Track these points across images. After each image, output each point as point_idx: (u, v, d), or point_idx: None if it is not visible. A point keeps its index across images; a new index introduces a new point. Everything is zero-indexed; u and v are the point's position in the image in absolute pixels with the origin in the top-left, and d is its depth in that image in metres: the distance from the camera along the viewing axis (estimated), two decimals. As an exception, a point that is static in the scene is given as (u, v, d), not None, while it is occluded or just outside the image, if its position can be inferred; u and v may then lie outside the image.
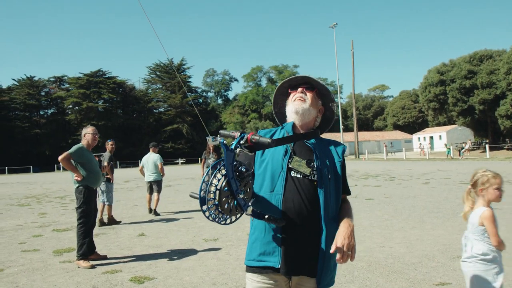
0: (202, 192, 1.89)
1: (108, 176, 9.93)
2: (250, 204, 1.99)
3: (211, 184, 1.89)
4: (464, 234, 3.41)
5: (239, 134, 1.98)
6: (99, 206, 9.65)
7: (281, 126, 2.46)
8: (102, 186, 9.86)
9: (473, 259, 3.21)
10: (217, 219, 1.94)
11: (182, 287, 4.93)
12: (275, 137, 2.33)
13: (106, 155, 10.15)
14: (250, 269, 2.21)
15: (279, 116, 2.58)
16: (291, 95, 2.41)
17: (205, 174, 1.93)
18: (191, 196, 2.08)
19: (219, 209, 1.92)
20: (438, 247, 6.29)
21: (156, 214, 11.18)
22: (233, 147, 1.94)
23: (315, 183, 2.20)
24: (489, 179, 3.27)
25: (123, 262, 6.24)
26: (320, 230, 2.15)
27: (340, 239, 2.04)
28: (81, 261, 6.00)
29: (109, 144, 10.33)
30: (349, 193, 2.43)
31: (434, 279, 4.85)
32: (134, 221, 10.25)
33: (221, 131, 2.07)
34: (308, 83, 2.42)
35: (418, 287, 4.63)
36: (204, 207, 1.90)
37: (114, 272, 5.67)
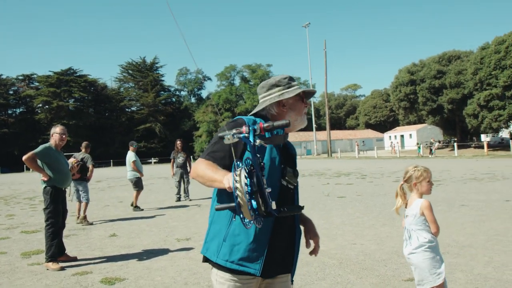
0: (239, 199, 1.67)
1: (89, 176, 10.29)
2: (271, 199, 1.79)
3: (246, 192, 1.66)
4: (405, 228, 3.60)
5: (247, 128, 1.82)
6: (76, 205, 10.11)
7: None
8: (83, 186, 10.10)
9: (421, 248, 3.41)
10: (257, 221, 1.73)
11: (153, 288, 4.90)
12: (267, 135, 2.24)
13: (88, 156, 10.34)
14: (225, 268, 2.11)
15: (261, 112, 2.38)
16: (304, 106, 2.39)
17: (232, 179, 1.70)
18: (219, 209, 1.84)
19: (257, 212, 1.71)
20: (407, 244, 6.41)
21: (136, 209, 11.76)
22: (252, 140, 1.78)
23: (292, 190, 2.28)
24: (422, 173, 3.52)
25: (94, 263, 6.15)
26: (295, 230, 2.29)
27: (314, 236, 2.34)
28: (50, 263, 5.88)
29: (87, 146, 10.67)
30: None
31: (403, 275, 4.94)
32: (106, 221, 10.11)
33: (223, 131, 1.88)
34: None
35: (388, 283, 4.71)
36: (242, 215, 1.71)
37: (84, 273, 5.59)
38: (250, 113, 2.36)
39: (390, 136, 73.77)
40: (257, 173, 1.73)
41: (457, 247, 6.02)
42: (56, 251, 6.00)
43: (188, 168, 13.70)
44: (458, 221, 7.93)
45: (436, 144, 47.48)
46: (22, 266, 6.10)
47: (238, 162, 1.76)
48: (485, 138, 55.09)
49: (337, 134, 79.03)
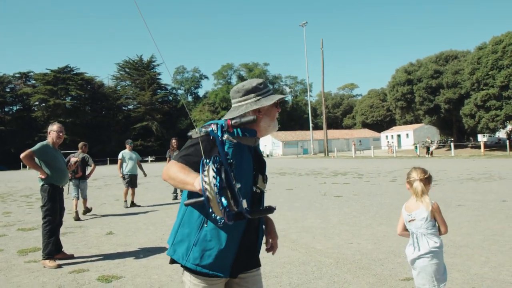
0: (208, 193, 1.68)
1: (88, 174, 11.04)
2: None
3: (214, 185, 1.66)
4: (412, 232, 3.46)
5: (215, 125, 1.90)
6: (73, 201, 10.43)
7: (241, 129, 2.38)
8: (84, 183, 10.82)
9: (431, 253, 3.34)
10: (227, 218, 1.72)
11: (150, 286, 4.90)
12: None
13: (88, 156, 11.04)
14: (194, 271, 2.17)
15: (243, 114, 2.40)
16: (276, 111, 2.38)
17: (201, 173, 1.72)
18: (188, 204, 1.89)
19: (227, 209, 1.70)
20: (404, 243, 6.37)
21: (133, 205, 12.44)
22: (220, 135, 1.82)
23: (259, 194, 2.33)
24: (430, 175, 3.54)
25: (91, 261, 6.15)
26: (259, 230, 2.37)
27: (274, 237, 2.46)
28: (47, 261, 5.87)
29: (86, 147, 11.26)
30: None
31: (400, 274, 4.96)
32: (102, 219, 10.10)
33: (193, 130, 2.02)
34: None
35: (384, 282, 4.72)
36: (211, 210, 1.72)
37: (81, 271, 5.59)
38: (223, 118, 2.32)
39: (387, 136, 73.79)
40: (225, 169, 1.74)
41: (454, 247, 6.04)
42: (53, 249, 6.00)
43: None
44: (455, 221, 7.95)
45: (435, 145, 47.52)
46: (18, 264, 6.09)
47: (207, 160, 1.76)
48: (482, 138, 55.16)
49: (334, 133, 79.05)
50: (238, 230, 2.15)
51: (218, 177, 1.68)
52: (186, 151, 2.16)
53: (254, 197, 2.25)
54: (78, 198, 10.51)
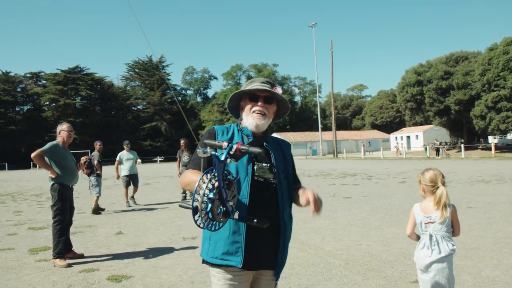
0: (196, 203, 1.89)
1: (98, 171, 11.61)
2: (235, 209, 2.01)
3: (204, 195, 1.89)
4: (430, 236, 3.37)
5: (226, 144, 2.00)
6: (93, 198, 11.37)
7: (237, 126, 2.51)
8: (93, 180, 11.40)
9: (449, 256, 3.31)
10: (208, 226, 1.95)
11: (159, 286, 4.91)
12: (235, 138, 2.42)
13: (95, 154, 11.75)
14: (213, 264, 2.31)
15: (233, 110, 2.61)
16: (250, 105, 2.42)
17: (196, 185, 1.91)
18: (181, 206, 2.12)
19: (211, 217, 1.93)
20: (414, 245, 6.33)
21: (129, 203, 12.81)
22: (223, 158, 1.93)
23: (274, 185, 2.36)
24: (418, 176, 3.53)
25: (100, 260, 6.18)
26: (277, 228, 2.35)
27: (310, 193, 2.24)
28: (57, 260, 5.91)
29: (97, 145, 12.09)
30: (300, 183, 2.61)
31: (410, 277, 4.92)
32: (112, 219, 10.15)
33: (207, 141, 2.07)
34: (267, 92, 2.45)
35: (394, 284, 4.70)
36: (196, 217, 1.91)
37: (91, 270, 5.61)
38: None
39: (396, 137, 73.43)
40: (219, 188, 1.89)
41: (465, 249, 5.99)
42: (63, 248, 6.04)
43: None
44: (465, 223, 7.88)
45: (445, 146, 47.16)
46: (29, 262, 6.13)
47: (214, 170, 1.92)
48: (492, 140, 54.68)
49: (343, 134, 78.82)
50: (244, 208, 2.23)
51: (211, 192, 1.88)
52: (194, 157, 2.37)
53: (263, 189, 2.31)
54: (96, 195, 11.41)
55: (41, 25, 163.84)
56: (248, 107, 2.43)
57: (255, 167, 2.31)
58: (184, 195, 13.64)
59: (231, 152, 1.98)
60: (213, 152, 1.96)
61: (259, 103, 2.40)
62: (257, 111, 2.39)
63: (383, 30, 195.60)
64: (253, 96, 2.42)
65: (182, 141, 13.83)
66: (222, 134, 2.41)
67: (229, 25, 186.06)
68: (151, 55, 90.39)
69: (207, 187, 1.89)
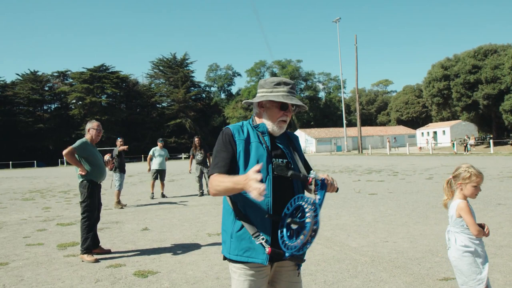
0: (312, 229, 2.08)
1: (110, 166, 11.74)
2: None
3: (314, 219, 2.08)
4: (447, 228, 3.49)
5: (314, 180, 2.22)
6: (115, 192, 11.88)
7: (251, 124, 2.52)
8: (115, 175, 11.96)
9: (459, 252, 3.30)
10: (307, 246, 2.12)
11: (185, 281, 4.95)
12: (251, 137, 2.44)
13: (115, 150, 12.10)
14: (236, 261, 2.35)
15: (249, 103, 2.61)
16: (278, 114, 2.44)
17: (309, 211, 2.09)
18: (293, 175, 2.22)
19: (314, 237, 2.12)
20: (441, 242, 6.27)
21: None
22: (320, 201, 2.18)
23: (291, 180, 2.40)
24: (471, 176, 3.33)
25: (127, 256, 6.26)
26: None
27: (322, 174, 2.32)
28: (85, 255, 6.02)
29: (118, 142, 12.36)
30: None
31: (438, 274, 4.84)
32: (138, 215, 10.27)
33: (293, 173, 2.20)
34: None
35: (421, 282, 4.63)
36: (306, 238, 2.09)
37: (118, 266, 5.69)
38: (245, 101, 2.70)
39: (422, 133, 72.30)
40: (317, 207, 2.12)
41: (494, 247, 5.86)
42: (91, 244, 6.14)
43: (208, 164, 14.08)
44: (495, 220, 7.71)
45: (472, 141, 46.19)
46: (58, 258, 6.26)
47: (316, 204, 2.14)
48: (522, 135, 53.42)
49: (368, 130, 78.01)
50: (267, 220, 2.28)
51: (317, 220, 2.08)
52: (215, 161, 2.39)
53: (277, 183, 2.35)
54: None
55: (67, 23, 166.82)
56: (275, 114, 2.44)
57: (274, 166, 2.36)
58: (201, 191, 13.92)
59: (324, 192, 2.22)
60: (316, 178, 2.21)
61: (287, 113, 2.45)
62: (283, 120, 2.45)
63: (408, 24, 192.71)
64: (283, 105, 2.43)
65: (196, 139, 14.18)
66: (238, 134, 2.42)
67: (252, 21, 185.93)
68: (175, 53, 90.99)
69: (312, 212, 2.08)
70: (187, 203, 12.18)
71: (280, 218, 2.22)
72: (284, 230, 2.18)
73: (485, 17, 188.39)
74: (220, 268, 5.40)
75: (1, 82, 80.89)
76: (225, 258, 2.44)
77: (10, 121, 74.66)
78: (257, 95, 2.50)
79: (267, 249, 2.20)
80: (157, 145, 14.15)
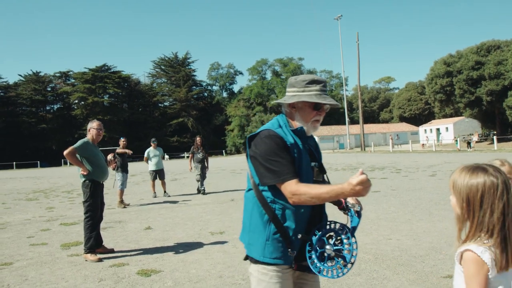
0: (352, 259, 2.16)
1: (113, 166, 11.83)
2: None
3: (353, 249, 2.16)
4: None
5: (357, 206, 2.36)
6: (117, 192, 11.92)
7: (286, 126, 2.39)
8: (118, 175, 11.97)
9: None
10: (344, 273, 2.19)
11: (188, 280, 4.95)
12: (296, 141, 2.33)
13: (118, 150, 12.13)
14: (268, 263, 2.31)
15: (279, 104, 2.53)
16: (312, 114, 2.36)
17: (349, 243, 2.18)
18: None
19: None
20: (445, 239, 6.26)
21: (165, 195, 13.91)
22: (355, 225, 2.27)
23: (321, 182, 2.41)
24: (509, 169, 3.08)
25: (130, 255, 6.27)
26: (320, 221, 2.39)
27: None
28: (89, 255, 6.03)
29: (121, 141, 12.47)
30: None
31: (441, 271, 4.83)
32: (141, 215, 10.28)
33: (349, 202, 2.33)
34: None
35: (425, 279, 4.61)
36: (345, 270, 2.16)
37: (121, 265, 5.70)
38: (276, 101, 2.53)
39: (425, 130, 72.11)
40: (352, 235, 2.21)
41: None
42: (94, 243, 6.15)
43: (206, 164, 14.38)
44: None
45: (475, 138, 46.05)
46: (62, 257, 6.27)
47: (348, 234, 2.21)
48: (526, 131, 53.25)
49: (370, 127, 77.91)
50: (302, 224, 2.28)
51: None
52: (280, 167, 2.20)
53: None
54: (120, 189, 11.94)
55: (68, 24, 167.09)
56: (308, 114, 2.36)
57: (314, 172, 2.39)
58: (203, 189, 14.11)
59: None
60: (352, 209, 2.33)
61: (321, 113, 2.39)
62: (317, 120, 2.38)
63: (410, 21, 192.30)
64: (317, 105, 2.36)
65: (198, 138, 14.46)
66: (286, 138, 2.29)
67: (253, 19, 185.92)
68: (177, 52, 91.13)
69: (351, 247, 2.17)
70: (189, 202, 12.18)
71: (309, 238, 2.24)
72: (313, 253, 2.20)
73: (488, 13, 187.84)
74: (223, 267, 5.40)
75: (4, 83, 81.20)
76: (246, 258, 2.44)
77: (13, 122, 74.94)
78: (287, 94, 2.41)
79: (294, 265, 2.26)
80: (150, 146, 14.23)
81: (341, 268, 2.13)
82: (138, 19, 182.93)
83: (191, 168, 14.50)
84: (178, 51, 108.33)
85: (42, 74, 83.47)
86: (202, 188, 14.10)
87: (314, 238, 2.21)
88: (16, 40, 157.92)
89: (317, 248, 2.19)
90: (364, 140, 57.03)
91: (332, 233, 2.23)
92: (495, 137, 41.08)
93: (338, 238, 2.20)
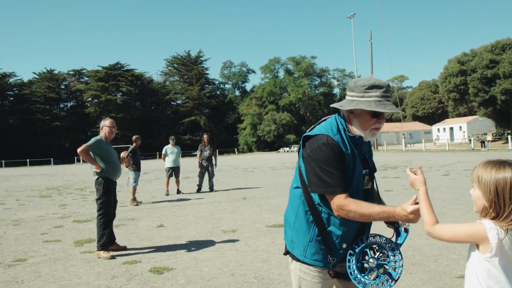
0: (397, 276, 2.14)
1: (125, 163, 11.91)
2: None
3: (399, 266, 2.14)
4: None
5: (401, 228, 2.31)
6: (130, 190, 11.97)
7: (346, 131, 2.30)
8: (130, 172, 11.99)
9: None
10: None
11: (201, 278, 4.96)
12: (353, 149, 2.27)
13: (131, 148, 12.31)
14: (309, 264, 2.33)
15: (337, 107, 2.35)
16: (371, 121, 2.26)
17: (396, 260, 2.15)
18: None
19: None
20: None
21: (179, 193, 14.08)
22: (401, 242, 2.24)
23: (369, 189, 2.43)
24: None
25: (143, 253, 6.30)
26: (365, 229, 2.41)
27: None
28: (101, 252, 6.07)
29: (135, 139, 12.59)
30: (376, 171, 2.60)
31: (455, 271, 4.78)
32: (153, 212, 10.33)
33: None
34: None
35: (439, 279, 4.58)
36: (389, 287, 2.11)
37: (133, 262, 5.73)
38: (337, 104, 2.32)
39: (438, 129, 71.52)
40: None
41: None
42: (107, 240, 6.19)
43: (214, 161, 14.59)
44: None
45: (489, 137, 45.53)
46: (75, 254, 6.32)
47: (395, 250, 2.17)
48: (541, 130, 52.53)
49: (383, 126, 77.24)
50: (351, 231, 2.29)
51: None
52: (331, 177, 2.17)
53: (365, 196, 2.36)
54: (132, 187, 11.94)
55: (82, 22, 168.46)
56: (367, 122, 2.25)
57: (366, 182, 2.37)
58: (200, 186, 14.41)
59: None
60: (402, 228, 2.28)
61: (381, 120, 2.27)
62: (376, 128, 2.28)
63: (424, 19, 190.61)
64: (376, 113, 2.24)
65: (205, 136, 14.64)
66: (343, 147, 2.22)
67: (266, 17, 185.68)
68: (189, 50, 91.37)
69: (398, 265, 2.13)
70: (202, 200, 12.21)
71: (352, 248, 2.22)
72: (354, 263, 2.19)
73: (503, 11, 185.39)
74: (235, 265, 5.40)
75: (19, 81, 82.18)
76: (286, 253, 2.45)
77: (28, 119, 75.79)
78: (347, 97, 2.30)
79: (331, 272, 2.26)
80: (169, 143, 14.37)
81: (384, 284, 2.09)
82: (151, 17, 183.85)
83: (200, 166, 14.61)
84: (191, 49, 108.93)
85: (56, 72, 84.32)
86: (211, 187, 14.38)
87: (357, 248, 2.19)
88: (31, 38, 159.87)
89: (359, 258, 2.18)
90: (377, 139, 56.71)
91: (376, 246, 2.19)
92: (509, 137, 40.55)
93: (383, 252, 2.15)
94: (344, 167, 2.18)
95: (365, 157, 2.39)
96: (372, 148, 2.67)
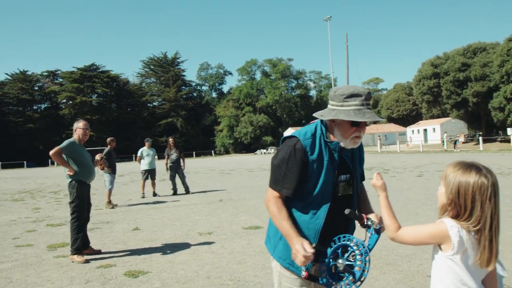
0: (362, 277, 2.13)
1: (100, 166, 11.93)
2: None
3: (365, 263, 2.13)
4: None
5: (370, 224, 2.28)
6: (106, 192, 11.85)
7: (323, 136, 2.31)
8: (106, 175, 11.82)
9: None
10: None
11: (176, 281, 4.93)
12: (323, 153, 2.27)
13: (105, 150, 11.94)
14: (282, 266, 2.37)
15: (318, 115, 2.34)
16: (351, 130, 2.24)
17: (362, 260, 2.13)
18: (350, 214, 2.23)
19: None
20: (431, 239, 6.30)
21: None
22: (371, 246, 2.22)
23: (350, 195, 2.42)
24: None
25: (118, 256, 6.23)
26: (348, 231, 2.39)
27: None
28: (75, 256, 5.97)
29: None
30: (364, 179, 2.66)
31: (428, 271, 4.87)
32: (129, 215, 10.23)
33: (349, 212, 2.18)
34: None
35: (412, 278, 4.65)
36: (353, 287, 2.11)
37: (108, 266, 5.66)
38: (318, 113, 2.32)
39: (413, 130, 72.65)
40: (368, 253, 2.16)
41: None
42: (81, 244, 6.10)
43: (181, 163, 14.51)
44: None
45: (461, 139, 46.46)
46: (48, 259, 6.21)
47: (363, 249, 2.14)
48: (511, 132, 53.85)
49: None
50: (315, 229, 2.26)
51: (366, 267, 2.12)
52: (281, 178, 2.26)
53: (336, 202, 2.31)
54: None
55: (56, 23, 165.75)
56: (347, 131, 2.24)
57: (340, 188, 2.33)
58: (174, 189, 14.31)
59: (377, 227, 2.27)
60: (373, 226, 2.26)
61: (360, 128, 2.25)
62: (357, 136, 2.27)
63: (398, 23, 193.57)
64: (355, 122, 2.21)
65: (170, 139, 14.76)
66: (310, 152, 2.24)
67: (243, 19, 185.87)
68: (166, 52, 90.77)
69: (362, 264, 2.12)
70: (178, 202, 12.14)
71: (324, 249, 2.20)
72: (325, 264, 2.19)
73: (475, 15, 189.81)
74: (211, 267, 5.39)
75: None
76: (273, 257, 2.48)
77: (0, 121, 74.07)
78: (328, 106, 2.27)
79: (304, 273, 2.21)
80: (144, 145, 14.24)
81: (349, 285, 2.10)
82: (127, 18, 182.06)
83: (168, 169, 14.55)
84: (168, 51, 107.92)
85: (29, 73, 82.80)
86: (186, 189, 14.30)
87: (329, 250, 2.19)
88: (3, 38, 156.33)
89: (330, 260, 2.18)
90: (353, 141, 57.07)
91: (348, 248, 2.19)
92: (480, 138, 41.51)
93: (353, 253, 2.16)
94: (300, 173, 2.22)
95: (345, 161, 2.35)
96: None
